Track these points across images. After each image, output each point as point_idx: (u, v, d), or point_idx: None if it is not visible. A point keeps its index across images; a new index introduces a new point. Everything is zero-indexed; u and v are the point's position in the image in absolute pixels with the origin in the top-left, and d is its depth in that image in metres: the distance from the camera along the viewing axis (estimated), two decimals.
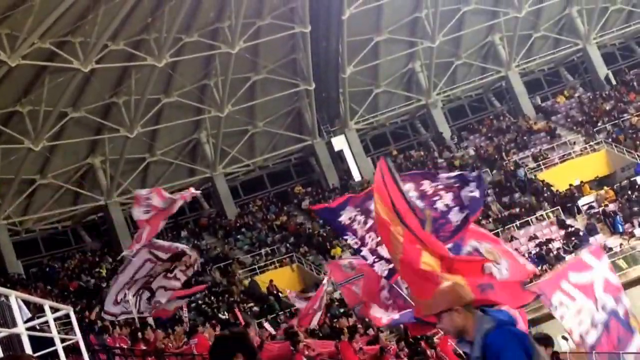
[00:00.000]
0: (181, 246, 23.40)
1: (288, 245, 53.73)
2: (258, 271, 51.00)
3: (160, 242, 22.75)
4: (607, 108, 61.98)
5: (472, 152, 61.48)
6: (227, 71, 54.63)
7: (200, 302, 44.78)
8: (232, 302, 44.68)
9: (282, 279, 49.87)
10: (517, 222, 51.93)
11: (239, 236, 55.74)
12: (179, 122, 56.75)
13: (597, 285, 13.86)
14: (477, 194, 14.99)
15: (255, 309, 44.50)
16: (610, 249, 47.50)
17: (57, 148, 53.43)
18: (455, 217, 15.00)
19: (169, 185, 58.43)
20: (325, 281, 30.64)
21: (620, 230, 49.83)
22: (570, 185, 54.61)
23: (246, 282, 48.76)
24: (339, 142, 62.49)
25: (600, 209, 51.85)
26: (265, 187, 64.45)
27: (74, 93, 50.95)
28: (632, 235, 49.32)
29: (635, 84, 64.56)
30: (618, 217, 50.42)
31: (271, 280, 48.03)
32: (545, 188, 54.73)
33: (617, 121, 60.11)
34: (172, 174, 59.16)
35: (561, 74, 70.80)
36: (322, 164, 62.14)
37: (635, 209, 50.89)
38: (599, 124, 60.22)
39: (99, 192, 56.09)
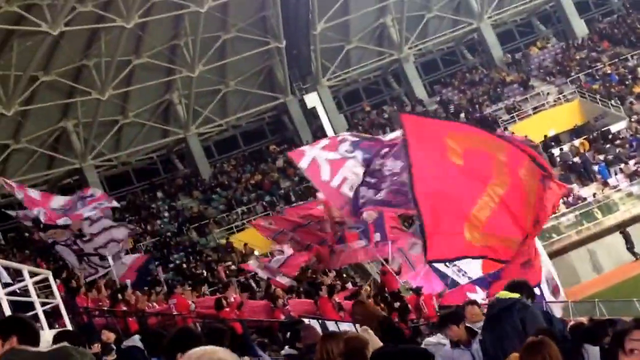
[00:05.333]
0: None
1: (264, 203, 53.63)
2: (235, 230, 50.96)
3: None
4: (580, 57, 61.95)
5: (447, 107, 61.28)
6: (197, 30, 54.20)
7: (178, 262, 44.75)
8: (210, 261, 44.64)
9: (258, 238, 49.86)
10: None
11: (214, 196, 55.62)
12: (150, 84, 56.37)
13: None
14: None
15: (233, 267, 44.46)
16: (585, 198, 47.78)
17: (29, 112, 53.05)
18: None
19: (143, 147, 58.34)
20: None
21: (607, 177, 49.89)
22: (545, 136, 54.85)
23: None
24: (311, 99, 62.32)
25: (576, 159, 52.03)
26: (239, 147, 64.24)
27: (44, 57, 50.60)
28: (606, 184, 49.54)
29: (608, 32, 64.40)
30: (603, 165, 50.58)
31: (245, 244, 47.93)
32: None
33: (590, 70, 60.07)
34: (145, 136, 58.90)
35: (534, 24, 70.48)
36: (295, 121, 62.02)
37: (610, 157, 51.17)
38: (572, 74, 60.11)
39: (73, 156, 55.88)
